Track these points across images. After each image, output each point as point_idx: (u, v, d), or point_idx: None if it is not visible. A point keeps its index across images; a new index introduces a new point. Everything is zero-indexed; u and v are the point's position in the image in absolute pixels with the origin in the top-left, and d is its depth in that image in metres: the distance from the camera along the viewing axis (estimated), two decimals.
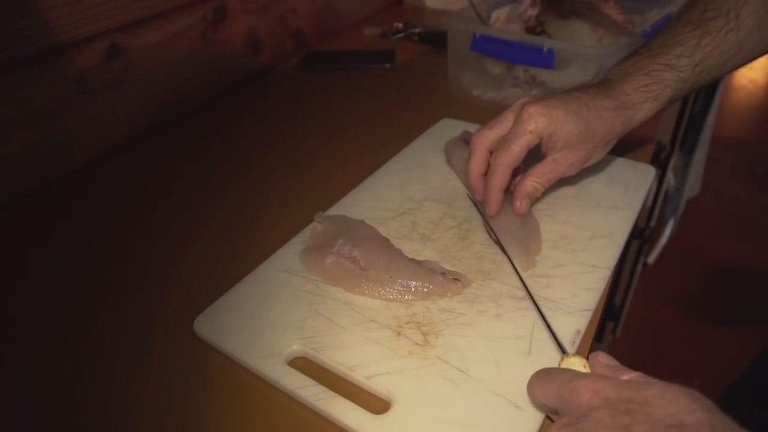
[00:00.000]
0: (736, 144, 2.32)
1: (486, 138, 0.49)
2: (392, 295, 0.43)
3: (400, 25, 1.04)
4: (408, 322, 0.41)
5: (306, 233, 0.51)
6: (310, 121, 0.75)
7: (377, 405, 0.36)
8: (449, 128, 0.66)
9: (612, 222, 0.50)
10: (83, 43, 0.64)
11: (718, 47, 0.49)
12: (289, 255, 0.49)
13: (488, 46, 0.71)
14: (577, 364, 0.33)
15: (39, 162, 0.63)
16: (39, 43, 0.59)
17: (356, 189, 0.57)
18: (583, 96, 0.47)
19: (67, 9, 0.61)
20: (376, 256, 0.45)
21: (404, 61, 0.92)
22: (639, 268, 1.33)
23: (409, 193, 0.56)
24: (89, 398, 0.39)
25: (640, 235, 1.04)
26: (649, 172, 0.57)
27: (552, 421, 0.33)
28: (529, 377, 0.33)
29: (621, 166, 0.58)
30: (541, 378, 0.32)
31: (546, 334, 0.39)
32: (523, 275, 0.45)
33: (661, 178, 1.25)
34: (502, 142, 0.47)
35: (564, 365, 0.34)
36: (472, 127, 0.64)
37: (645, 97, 0.48)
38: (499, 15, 0.81)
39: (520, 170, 0.49)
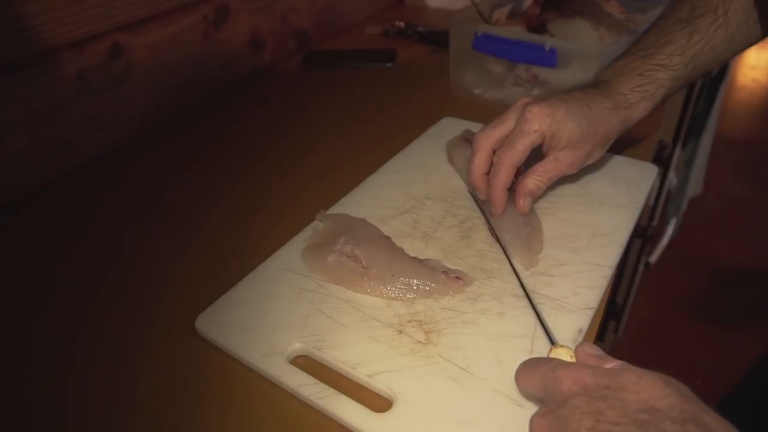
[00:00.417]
0: (739, 144, 2.32)
1: (489, 137, 0.49)
2: (394, 293, 0.43)
3: (402, 24, 1.03)
4: (410, 321, 0.41)
5: (307, 232, 0.51)
6: (312, 120, 0.76)
7: (379, 403, 0.36)
8: (451, 127, 0.66)
9: (614, 220, 0.50)
10: (85, 43, 0.64)
11: (708, 44, 0.50)
12: (291, 253, 0.49)
13: (490, 45, 0.71)
14: (564, 354, 0.34)
15: (42, 161, 0.63)
16: (41, 43, 0.59)
17: (358, 188, 0.57)
18: (582, 96, 0.48)
19: (70, 9, 0.61)
20: (378, 255, 0.45)
21: (406, 61, 0.92)
22: (641, 267, 1.33)
23: (411, 191, 0.56)
24: (91, 396, 0.39)
25: (642, 234, 1.03)
26: (651, 171, 0.57)
27: None
28: None
29: (623, 164, 0.58)
30: (528, 367, 0.33)
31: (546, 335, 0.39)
32: (525, 273, 0.45)
33: (663, 177, 1.25)
34: (506, 141, 0.47)
35: (552, 355, 0.35)
36: (473, 126, 0.64)
37: (640, 96, 0.49)
38: (501, 14, 0.81)
39: (520, 170, 0.50)
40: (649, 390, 0.27)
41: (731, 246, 1.79)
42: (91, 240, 0.55)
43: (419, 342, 0.39)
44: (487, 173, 0.50)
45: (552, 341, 0.38)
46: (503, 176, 0.48)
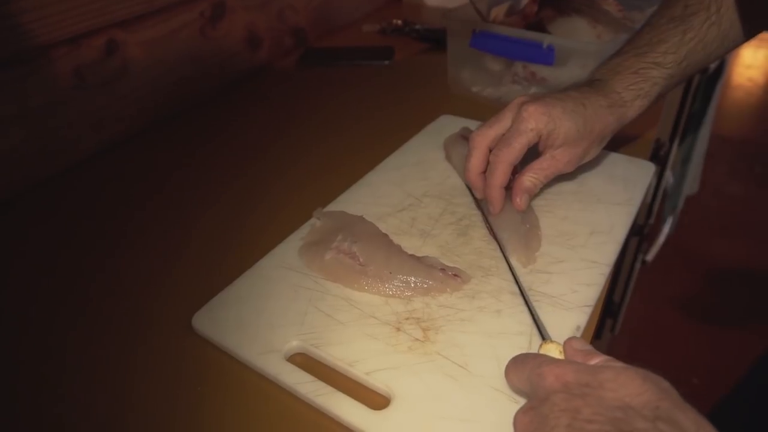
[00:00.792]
0: (735, 142, 2.32)
1: (486, 136, 0.49)
2: (392, 290, 0.43)
3: (399, 22, 1.03)
4: (407, 318, 0.41)
5: (305, 229, 0.51)
6: (309, 117, 0.75)
7: (377, 401, 0.36)
8: (448, 124, 0.66)
9: (612, 218, 0.50)
10: (81, 39, 0.63)
11: (702, 41, 0.50)
12: (288, 251, 0.48)
13: (488, 43, 0.71)
14: (553, 350, 0.35)
15: (38, 157, 0.63)
16: (37, 39, 0.59)
17: (355, 185, 0.57)
18: (577, 95, 0.48)
19: (65, 4, 0.61)
20: (376, 252, 0.45)
21: (403, 58, 0.92)
22: (638, 265, 1.33)
23: (409, 189, 0.56)
24: (87, 394, 0.39)
25: (639, 233, 1.04)
26: (648, 169, 0.57)
27: None
28: None
29: (621, 162, 0.58)
30: (516, 363, 0.34)
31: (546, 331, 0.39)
32: (523, 271, 0.45)
33: (660, 176, 1.25)
34: (503, 140, 0.48)
35: (542, 351, 0.35)
36: (471, 124, 0.64)
37: (635, 94, 0.50)
38: (498, 11, 0.81)
39: (517, 168, 0.50)
40: (626, 387, 0.28)
41: (728, 244, 1.80)
42: (87, 236, 0.55)
43: (417, 339, 0.39)
44: (484, 172, 0.50)
45: (543, 337, 0.38)
46: (500, 174, 0.48)
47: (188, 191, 0.61)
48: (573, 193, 0.54)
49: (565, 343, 0.35)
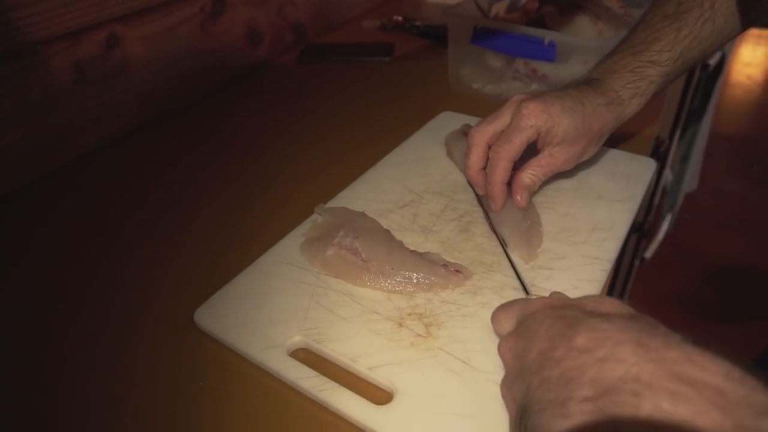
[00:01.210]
0: (734, 140, 2.33)
1: (485, 133, 0.49)
2: (394, 286, 0.43)
3: (399, 18, 1.03)
4: (410, 314, 0.41)
5: (306, 225, 0.51)
6: (310, 113, 0.75)
7: (380, 396, 0.36)
8: (449, 121, 0.66)
9: (613, 215, 0.50)
10: (81, 34, 0.63)
11: (697, 37, 0.50)
12: (290, 247, 0.48)
13: (489, 39, 0.71)
14: None
15: (37, 153, 0.63)
16: (36, 33, 0.59)
17: (356, 181, 0.57)
18: (576, 93, 0.49)
19: None
20: (378, 248, 0.45)
21: (403, 55, 0.91)
22: (636, 262, 1.34)
23: (410, 185, 0.56)
24: (88, 389, 0.39)
25: (639, 229, 1.04)
26: (649, 165, 0.57)
27: None
28: None
29: (622, 159, 0.58)
30: (504, 306, 0.36)
31: None
32: (525, 267, 0.45)
33: (659, 173, 1.25)
34: (503, 136, 0.48)
35: None
36: (472, 120, 0.63)
37: (632, 93, 0.50)
38: (499, 7, 0.81)
39: (516, 164, 0.50)
40: (606, 304, 0.30)
41: (726, 242, 1.80)
42: (88, 232, 0.55)
43: (419, 335, 0.39)
44: (484, 168, 0.50)
45: (527, 292, 0.42)
46: (501, 171, 0.48)
47: (189, 187, 0.61)
48: (574, 189, 0.54)
49: (549, 294, 0.37)
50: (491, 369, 0.37)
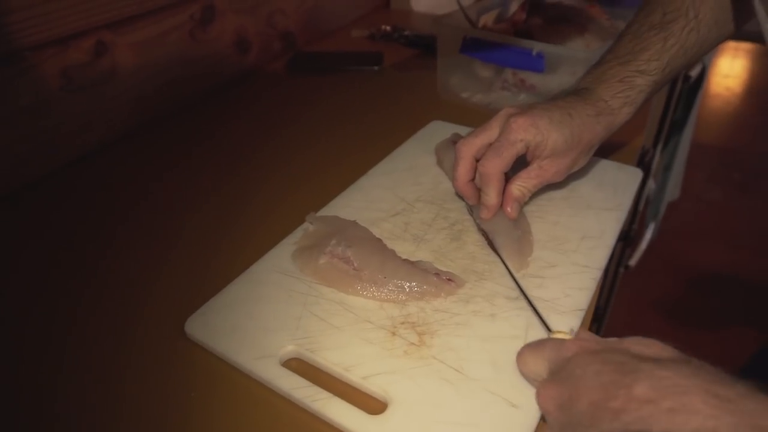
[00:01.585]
0: (714, 150, 2.37)
1: (472, 145, 0.49)
2: (386, 295, 0.43)
3: (388, 27, 1.04)
4: (403, 323, 0.41)
5: (298, 234, 0.51)
6: (299, 122, 0.75)
7: (374, 405, 0.36)
8: (439, 130, 0.66)
9: (602, 223, 0.51)
10: (69, 40, 0.63)
11: (683, 47, 0.51)
12: (281, 255, 0.48)
13: (478, 49, 0.72)
14: (563, 337, 0.35)
15: (24, 160, 0.62)
16: (24, 40, 0.58)
17: (347, 190, 0.57)
18: (564, 104, 0.49)
19: (53, 5, 0.60)
20: (370, 257, 0.45)
21: (392, 64, 0.92)
22: (621, 270, 1.35)
23: (401, 194, 0.56)
24: (78, 398, 0.38)
25: (624, 238, 1.05)
26: (636, 175, 0.58)
27: (545, 422, 0.33)
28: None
29: (610, 168, 0.58)
30: (532, 346, 0.35)
31: (541, 332, 0.39)
32: (516, 276, 0.45)
33: (643, 182, 1.27)
34: (492, 150, 0.48)
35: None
36: (462, 129, 0.64)
37: (622, 102, 0.50)
38: (487, 18, 0.82)
39: (507, 175, 0.50)
40: (650, 346, 0.29)
41: (708, 249, 1.83)
42: (76, 240, 0.54)
43: (413, 344, 0.39)
44: (472, 180, 0.50)
45: (549, 329, 0.39)
46: (495, 184, 0.48)
47: (178, 194, 0.60)
48: (564, 198, 0.54)
49: (575, 333, 0.35)
50: (484, 377, 0.37)
